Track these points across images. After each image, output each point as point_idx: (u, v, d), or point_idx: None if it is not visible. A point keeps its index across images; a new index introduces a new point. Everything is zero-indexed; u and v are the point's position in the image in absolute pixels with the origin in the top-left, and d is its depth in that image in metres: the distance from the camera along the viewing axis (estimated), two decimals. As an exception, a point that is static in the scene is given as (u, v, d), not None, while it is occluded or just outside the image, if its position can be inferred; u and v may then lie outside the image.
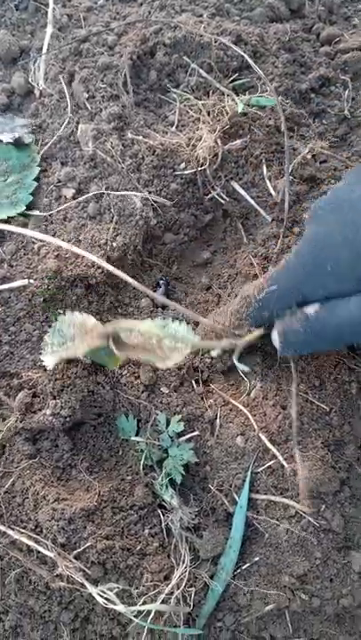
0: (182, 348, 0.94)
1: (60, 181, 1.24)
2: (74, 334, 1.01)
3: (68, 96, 1.28)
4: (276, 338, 1.00)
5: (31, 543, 0.98)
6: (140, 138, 1.23)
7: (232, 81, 1.33)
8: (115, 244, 1.19)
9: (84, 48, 1.28)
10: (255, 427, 1.11)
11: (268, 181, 1.27)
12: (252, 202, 1.27)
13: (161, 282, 1.26)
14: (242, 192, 1.28)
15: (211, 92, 1.32)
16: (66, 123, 1.26)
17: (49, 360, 1.03)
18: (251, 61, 1.31)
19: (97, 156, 1.22)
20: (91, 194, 1.22)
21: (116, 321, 0.94)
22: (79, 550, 1.00)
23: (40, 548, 0.98)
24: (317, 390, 1.12)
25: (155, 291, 1.26)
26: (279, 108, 1.26)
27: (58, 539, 1.00)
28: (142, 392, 1.14)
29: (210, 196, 1.27)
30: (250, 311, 1.07)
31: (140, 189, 1.22)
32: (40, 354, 1.07)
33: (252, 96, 1.27)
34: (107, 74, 1.26)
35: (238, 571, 1.07)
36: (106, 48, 1.29)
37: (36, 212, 1.22)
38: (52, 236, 1.21)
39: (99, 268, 1.17)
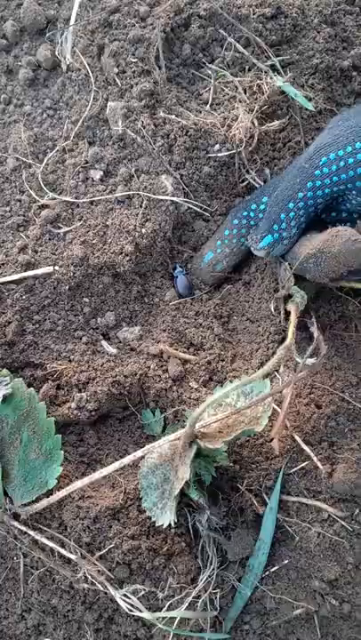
0: (259, 396, 0.91)
1: (87, 162, 1.18)
2: (163, 476, 0.96)
3: (96, 71, 1.21)
4: None
5: (53, 545, 0.95)
6: (173, 117, 1.16)
7: (270, 57, 1.25)
8: (144, 231, 1.13)
9: (114, 19, 1.21)
10: (288, 426, 1.06)
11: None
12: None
13: (176, 271, 1.20)
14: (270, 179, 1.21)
15: (247, 68, 1.24)
16: (94, 99, 1.19)
17: (166, 518, 0.94)
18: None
19: (127, 136, 1.16)
20: (119, 176, 1.16)
21: (186, 426, 0.89)
22: (104, 551, 0.96)
23: (63, 551, 0.94)
24: (354, 389, 1.07)
25: (173, 281, 1.21)
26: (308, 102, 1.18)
27: (82, 538, 0.97)
28: (170, 386, 1.09)
29: (245, 182, 1.21)
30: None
31: (171, 172, 1.15)
32: (142, 500, 0.99)
33: (291, 75, 1.19)
34: (138, 47, 1.18)
35: (266, 574, 1.03)
36: (137, 19, 1.21)
37: (63, 197, 1.16)
38: (79, 220, 1.15)
39: (127, 255, 1.12)
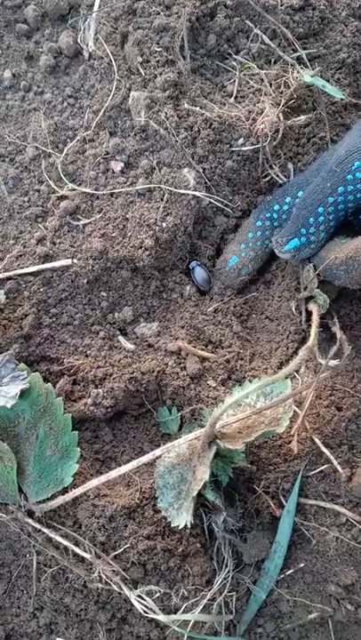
0: (279, 397, 0.89)
1: (107, 153, 1.15)
2: (180, 476, 0.93)
3: (119, 59, 1.18)
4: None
5: (67, 543, 0.93)
6: (197, 109, 1.13)
7: (297, 50, 1.22)
8: (165, 225, 1.11)
9: (138, 7, 1.18)
10: (308, 428, 1.04)
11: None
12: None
13: (192, 264, 1.17)
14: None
15: (273, 60, 1.21)
16: (116, 89, 1.16)
17: (182, 519, 0.91)
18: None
19: (149, 127, 1.13)
20: (141, 169, 1.13)
21: (206, 426, 0.87)
22: (119, 550, 0.95)
23: (77, 550, 0.93)
24: (376, 392, 1.05)
25: (189, 275, 1.18)
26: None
27: (97, 537, 0.95)
28: (188, 384, 1.07)
29: (268, 177, 1.18)
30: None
31: (193, 166, 1.13)
32: (158, 500, 0.96)
33: (319, 69, 1.16)
34: (163, 36, 1.15)
35: (282, 577, 1.02)
36: (162, 7, 1.18)
37: (82, 188, 1.14)
38: (99, 213, 1.13)
39: (146, 249, 1.09)
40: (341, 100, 1.17)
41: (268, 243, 1.13)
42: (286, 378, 0.96)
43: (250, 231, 1.14)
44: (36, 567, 0.96)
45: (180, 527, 0.90)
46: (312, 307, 1.02)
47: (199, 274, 1.17)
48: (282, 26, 1.20)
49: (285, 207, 1.10)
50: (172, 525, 0.91)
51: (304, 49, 1.22)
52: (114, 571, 0.93)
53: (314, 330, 0.94)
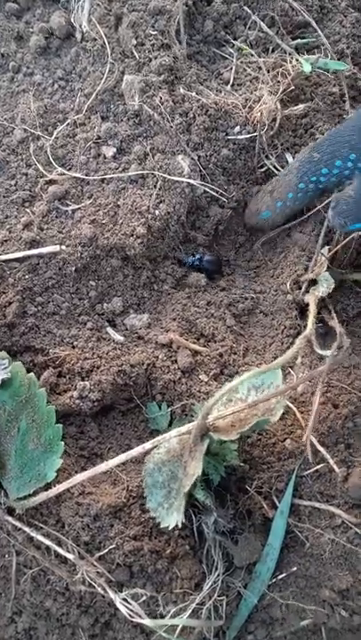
0: (272, 389, 0.85)
1: (99, 138, 1.11)
2: (171, 474, 0.88)
3: (113, 42, 1.14)
4: (329, 210, 0.99)
5: (49, 543, 0.88)
6: (193, 94, 1.10)
7: (295, 38, 1.19)
8: (157, 212, 1.07)
9: (134, -12, 1.14)
10: (303, 425, 1.00)
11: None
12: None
13: (197, 257, 1.13)
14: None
15: (271, 48, 1.19)
16: (109, 72, 1.12)
17: (172, 519, 0.86)
18: (313, 22, 1.17)
19: (143, 112, 1.09)
20: (133, 154, 1.09)
21: (198, 418, 0.83)
22: (104, 551, 0.90)
23: (60, 550, 0.88)
24: (374, 390, 1.02)
25: (195, 268, 1.14)
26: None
27: (81, 536, 0.90)
28: (179, 378, 1.03)
29: (264, 167, 1.15)
30: (300, 156, 1.05)
31: (188, 153, 1.09)
32: (147, 500, 0.91)
33: (320, 56, 1.13)
34: (158, 19, 1.12)
35: (274, 581, 0.98)
36: (158, -10, 1.15)
37: (72, 173, 1.09)
38: (89, 198, 1.08)
39: (138, 237, 1.05)
40: (346, 69, 1.14)
41: (308, 200, 1.09)
42: (279, 368, 0.92)
43: (290, 191, 1.07)
44: (16, 568, 0.90)
45: (171, 527, 0.85)
46: (309, 297, 0.98)
47: (211, 261, 1.13)
48: (280, 14, 1.17)
49: (335, 171, 1.03)
50: (162, 526, 0.86)
51: (302, 38, 1.20)
52: (98, 572, 0.88)
53: (311, 319, 0.90)
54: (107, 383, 1.00)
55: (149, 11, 1.12)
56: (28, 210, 1.08)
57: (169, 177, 1.07)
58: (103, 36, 1.13)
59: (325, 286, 1.00)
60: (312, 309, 0.94)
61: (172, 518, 0.86)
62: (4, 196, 1.09)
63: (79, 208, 1.07)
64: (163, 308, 1.10)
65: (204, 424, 0.82)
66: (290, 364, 1.06)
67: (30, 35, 1.18)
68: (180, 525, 0.84)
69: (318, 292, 0.98)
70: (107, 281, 1.08)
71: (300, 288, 1.08)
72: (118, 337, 1.06)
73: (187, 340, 1.06)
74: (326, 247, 1.06)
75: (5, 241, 1.05)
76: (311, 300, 0.96)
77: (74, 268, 1.05)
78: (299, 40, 1.19)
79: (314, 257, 1.08)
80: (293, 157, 1.16)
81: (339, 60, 1.20)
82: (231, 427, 0.86)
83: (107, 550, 0.90)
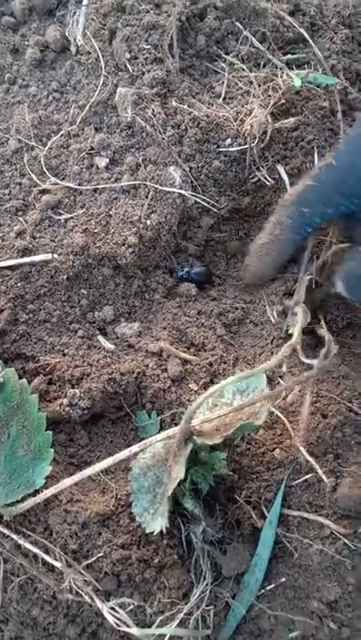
0: (256, 394, 0.85)
1: (92, 148, 1.12)
2: (156, 479, 0.88)
3: (107, 55, 1.16)
4: (339, 284, 0.95)
5: (37, 551, 0.87)
6: (185, 107, 1.11)
7: (286, 54, 1.22)
8: (149, 222, 1.08)
9: (128, 4, 1.16)
10: (292, 435, 1.01)
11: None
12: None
13: (185, 270, 1.14)
14: (285, 178, 1.17)
15: (262, 64, 1.21)
16: (103, 84, 1.14)
17: (157, 524, 0.86)
18: (307, 35, 1.19)
19: (136, 124, 1.11)
20: (126, 165, 1.11)
21: (182, 421, 0.83)
22: (92, 559, 0.89)
23: (47, 558, 0.87)
24: (363, 400, 1.02)
25: (185, 280, 1.15)
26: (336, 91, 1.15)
27: (69, 545, 0.90)
28: (169, 387, 1.03)
29: (255, 178, 1.16)
30: (289, 212, 0.98)
31: (180, 164, 1.10)
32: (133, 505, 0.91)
33: (310, 71, 1.15)
34: (152, 34, 1.14)
35: (262, 592, 0.97)
36: (152, 6, 1.17)
37: (65, 183, 1.10)
38: (81, 208, 1.09)
39: (129, 247, 1.06)
40: (335, 83, 1.15)
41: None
42: (264, 372, 0.92)
43: (288, 248, 1.05)
44: (3, 576, 0.90)
45: (155, 533, 0.85)
46: (297, 309, 0.99)
47: (201, 273, 1.15)
48: (271, 30, 1.20)
49: (331, 212, 0.97)
50: (147, 531, 0.86)
51: (293, 54, 1.22)
52: (85, 581, 0.88)
53: (298, 329, 0.90)
54: (97, 391, 1.00)
55: (143, 25, 1.14)
56: (21, 218, 1.09)
57: (161, 187, 1.08)
58: (97, 50, 1.15)
59: (302, 315, 0.99)
60: (300, 319, 0.94)
61: (157, 523, 0.86)
62: (-2, 205, 1.10)
63: (72, 217, 1.08)
64: (153, 316, 1.11)
65: (188, 428, 0.82)
66: (279, 373, 1.06)
67: (26, 47, 1.20)
68: (164, 530, 0.84)
69: (303, 307, 0.99)
70: (98, 289, 1.09)
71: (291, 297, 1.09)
72: (109, 345, 1.07)
73: (177, 348, 1.06)
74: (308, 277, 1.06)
75: (-2, 249, 1.06)
76: (299, 310, 0.97)
77: (65, 277, 1.05)
78: (289, 55, 1.21)
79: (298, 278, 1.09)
80: (285, 171, 1.17)
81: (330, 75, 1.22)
82: (216, 431, 0.86)
83: (94, 559, 0.89)
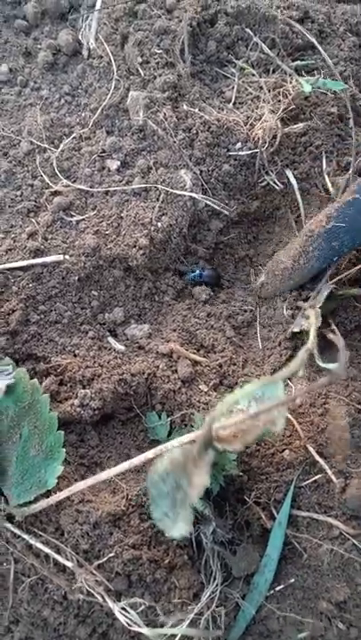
0: (273, 401, 0.85)
1: (104, 151, 1.13)
2: (175, 484, 0.88)
3: (119, 59, 1.17)
4: None
5: (49, 551, 0.88)
6: (196, 111, 1.12)
7: (295, 60, 1.23)
8: (160, 225, 1.08)
9: (140, 9, 1.18)
10: (301, 436, 1.01)
11: (326, 176, 1.17)
12: (299, 197, 1.17)
13: (196, 273, 1.15)
14: (293, 183, 1.18)
15: (272, 69, 1.22)
16: (115, 88, 1.15)
17: (179, 529, 0.82)
18: (316, 42, 1.20)
19: (147, 127, 1.12)
20: (137, 168, 1.12)
21: (203, 427, 0.83)
22: (103, 559, 0.89)
23: (59, 558, 0.87)
24: (371, 402, 1.03)
25: (196, 283, 1.16)
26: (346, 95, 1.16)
27: (81, 544, 0.90)
28: (179, 388, 1.03)
29: (264, 182, 1.17)
30: (317, 244, 1.04)
31: (191, 167, 1.11)
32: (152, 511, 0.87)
33: (319, 77, 1.16)
34: (163, 39, 1.15)
35: (272, 592, 0.97)
36: (163, 11, 1.18)
37: (77, 185, 1.11)
38: (93, 210, 1.10)
39: (140, 249, 1.07)
40: (344, 88, 1.17)
41: None
42: (281, 380, 0.93)
43: (311, 275, 1.11)
44: (14, 576, 0.90)
45: (178, 538, 0.85)
46: (310, 311, 1.00)
47: (211, 275, 1.16)
48: (281, 36, 1.21)
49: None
50: (168, 536, 0.86)
51: (302, 60, 1.23)
52: (97, 581, 0.88)
53: (313, 332, 0.91)
54: (107, 392, 1.00)
55: (155, 30, 1.15)
56: (32, 220, 1.09)
57: (171, 190, 1.09)
58: (109, 54, 1.15)
59: (314, 317, 1.01)
60: (313, 322, 0.95)
61: (179, 528, 0.85)
62: (9, 206, 1.10)
63: (83, 219, 1.09)
64: (163, 318, 1.12)
65: (210, 434, 0.82)
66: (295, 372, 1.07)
67: (38, 51, 1.21)
68: (187, 536, 0.84)
69: (316, 310, 1.00)
70: (109, 291, 1.09)
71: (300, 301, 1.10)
72: (119, 346, 1.07)
73: (187, 350, 1.07)
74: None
75: (10, 250, 1.06)
76: (312, 313, 0.98)
77: (77, 278, 1.06)
78: (298, 62, 1.22)
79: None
80: (293, 175, 1.18)
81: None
82: (233, 437, 0.86)
83: (106, 559, 0.89)
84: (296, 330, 1.08)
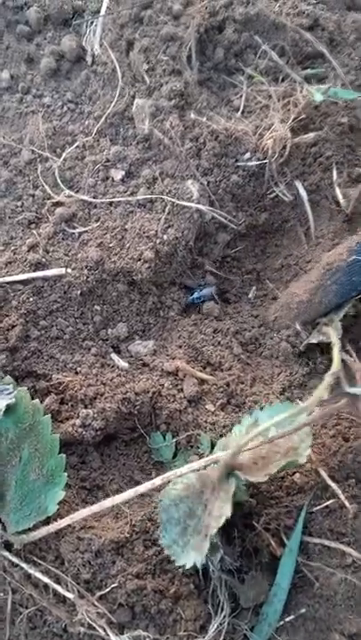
0: (294, 425, 0.82)
1: (108, 161, 1.10)
2: (188, 510, 0.84)
3: (124, 66, 1.13)
4: None
5: (48, 581, 0.83)
6: (204, 120, 1.09)
7: (305, 68, 1.20)
8: (165, 237, 1.05)
9: (145, 15, 1.14)
10: (313, 459, 0.97)
11: (337, 188, 1.14)
12: (308, 209, 1.14)
13: (198, 292, 1.12)
14: (303, 195, 1.14)
15: (281, 78, 1.19)
16: (119, 95, 1.12)
17: (189, 558, 0.81)
18: (326, 52, 1.17)
19: (153, 136, 1.08)
20: (142, 178, 1.08)
21: (227, 454, 0.79)
22: (106, 590, 0.85)
23: (59, 588, 0.83)
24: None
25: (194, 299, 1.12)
26: None
27: (82, 574, 0.86)
28: (185, 407, 0.99)
29: (273, 194, 1.14)
30: (336, 279, 0.99)
31: (198, 178, 1.08)
32: (161, 536, 0.86)
33: (330, 86, 1.13)
34: (170, 45, 1.12)
35: (282, 623, 0.93)
36: (170, 17, 1.15)
37: (80, 195, 1.07)
38: (96, 222, 1.06)
39: (145, 262, 1.03)
40: (356, 99, 1.14)
41: None
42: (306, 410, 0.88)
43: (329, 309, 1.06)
44: (11, 607, 0.85)
45: (188, 567, 0.80)
46: (330, 330, 0.96)
47: (210, 292, 1.13)
48: (290, 44, 1.18)
49: None
50: (177, 564, 0.82)
51: (312, 69, 1.20)
52: (99, 613, 0.83)
53: (336, 354, 0.86)
54: (111, 411, 0.96)
55: (161, 37, 1.12)
56: (33, 231, 1.06)
57: (178, 202, 1.06)
58: (114, 60, 1.12)
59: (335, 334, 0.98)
60: (335, 341, 0.91)
61: (189, 557, 0.81)
62: (9, 217, 1.07)
63: (86, 231, 1.06)
64: (168, 334, 1.08)
65: (233, 461, 0.78)
66: (298, 395, 1.03)
67: (41, 57, 1.18)
68: (199, 566, 0.80)
69: (335, 328, 0.97)
70: (112, 306, 1.06)
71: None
72: (123, 363, 1.03)
73: (193, 368, 1.03)
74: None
75: (10, 262, 1.03)
76: (332, 332, 0.94)
77: (79, 292, 1.02)
78: (308, 70, 1.19)
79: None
80: (303, 187, 1.15)
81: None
82: (254, 464, 0.82)
83: (108, 589, 0.85)
84: (313, 341, 1.05)
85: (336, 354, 0.84)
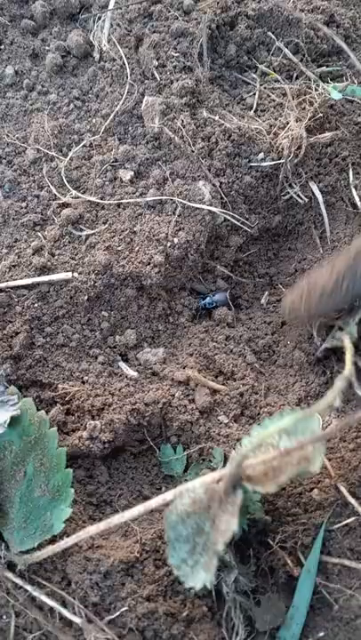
0: (306, 435, 0.77)
1: (116, 160, 1.06)
2: (196, 527, 0.79)
3: (133, 62, 1.09)
4: None
5: (54, 604, 0.78)
6: (216, 118, 1.05)
7: (320, 66, 1.16)
8: (176, 240, 1.01)
9: (155, 10, 1.11)
10: (332, 474, 0.92)
11: (353, 189, 1.09)
12: (324, 212, 1.10)
13: (209, 298, 1.07)
14: (318, 196, 1.10)
15: (295, 75, 1.15)
16: (128, 93, 1.07)
17: (199, 579, 0.75)
18: (345, 47, 1.13)
19: (163, 135, 1.04)
20: (152, 179, 1.04)
21: (232, 465, 0.75)
22: (115, 614, 0.80)
23: (65, 612, 0.78)
24: None
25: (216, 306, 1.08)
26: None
27: (90, 597, 0.81)
28: (197, 419, 0.95)
29: (287, 195, 1.09)
30: (347, 283, 0.92)
31: (210, 179, 1.03)
32: (169, 556, 0.79)
33: (348, 83, 1.09)
34: (181, 41, 1.08)
35: (299, 648, 0.88)
36: (181, 12, 1.11)
37: (87, 196, 1.03)
38: (104, 224, 1.02)
39: (155, 266, 0.98)
40: None
41: None
42: (317, 414, 0.84)
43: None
44: (14, 632, 0.81)
45: (197, 588, 0.75)
46: (344, 336, 0.91)
47: (224, 296, 1.09)
48: (305, 41, 1.14)
49: None
50: (187, 586, 0.77)
51: (327, 66, 1.16)
52: (108, 638, 0.79)
53: (349, 357, 0.82)
54: (119, 423, 0.92)
55: (172, 32, 1.08)
56: (39, 234, 1.01)
57: (189, 203, 1.02)
58: (123, 56, 1.08)
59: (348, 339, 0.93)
60: (348, 346, 0.87)
61: (199, 578, 0.76)
62: (13, 219, 1.03)
63: (93, 233, 1.02)
64: (179, 342, 1.03)
65: (238, 473, 0.74)
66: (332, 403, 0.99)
67: (46, 53, 1.14)
68: (208, 586, 0.75)
69: (349, 333, 0.92)
70: (120, 312, 1.01)
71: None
72: (132, 372, 0.99)
73: (205, 377, 0.98)
74: None
75: (14, 266, 0.99)
76: (345, 337, 0.89)
77: (86, 297, 0.98)
78: (324, 68, 1.15)
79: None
80: (318, 188, 1.10)
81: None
82: (264, 475, 0.78)
83: (118, 613, 0.81)
84: (328, 346, 1.00)
85: (349, 358, 0.79)
